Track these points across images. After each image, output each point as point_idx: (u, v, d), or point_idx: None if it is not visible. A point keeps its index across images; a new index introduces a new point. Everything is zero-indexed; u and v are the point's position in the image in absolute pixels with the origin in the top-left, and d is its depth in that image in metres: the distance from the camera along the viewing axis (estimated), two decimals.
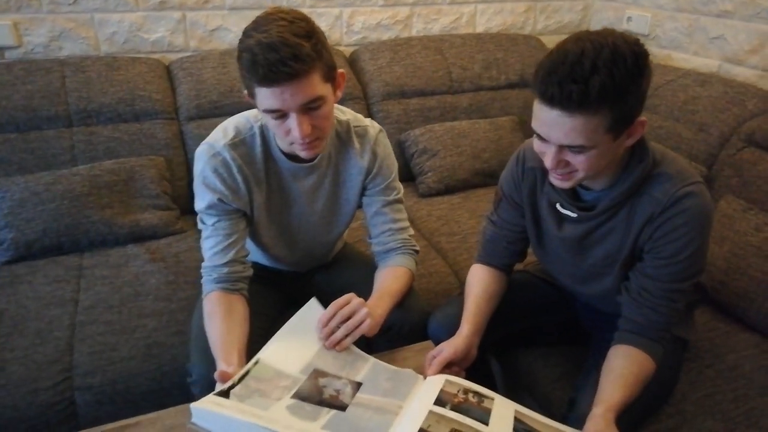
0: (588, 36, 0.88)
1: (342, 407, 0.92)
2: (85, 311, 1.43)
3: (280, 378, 0.96)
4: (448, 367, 1.08)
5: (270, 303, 1.38)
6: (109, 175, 1.74)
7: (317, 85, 1.01)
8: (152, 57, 2.07)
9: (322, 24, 2.28)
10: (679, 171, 1.02)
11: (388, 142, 1.31)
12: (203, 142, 1.19)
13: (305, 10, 2.19)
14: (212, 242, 1.18)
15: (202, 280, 1.19)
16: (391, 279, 1.25)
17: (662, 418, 1.15)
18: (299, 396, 0.92)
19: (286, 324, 1.07)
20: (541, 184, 1.16)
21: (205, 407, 0.83)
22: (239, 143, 1.17)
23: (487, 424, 0.91)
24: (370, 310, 1.10)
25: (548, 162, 0.97)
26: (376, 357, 1.14)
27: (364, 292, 1.37)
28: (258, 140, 1.18)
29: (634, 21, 2.43)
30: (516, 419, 0.96)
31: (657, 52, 2.34)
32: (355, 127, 1.25)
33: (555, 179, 1.02)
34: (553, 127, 0.92)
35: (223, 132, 1.18)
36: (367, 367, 1.05)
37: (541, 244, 1.23)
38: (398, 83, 2.19)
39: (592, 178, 1.03)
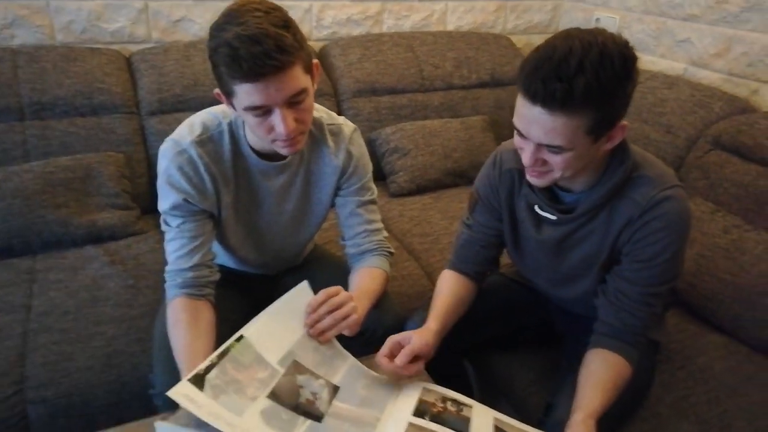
0: (578, 33, 0.86)
1: (318, 417, 0.88)
2: (38, 318, 1.34)
3: (258, 366, 0.92)
4: (413, 361, 1.02)
5: (237, 308, 1.32)
6: (64, 172, 1.65)
7: (301, 77, 0.97)
8: (112, 48, 1.97)
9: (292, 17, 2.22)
10: (659, 174, 1.02)
11: (363, 141, 1.28)
12: (167, 138, 1.12)
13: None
14: (177, 245, 1.12)
15: (166, 285, 1.13)
16: (367, 280, 1.21)
17: (637, 422, 1.15)
18: (275, 396, 0.88)
19: (273, 303, 1.03)
20: (519, 186, 1.14)
21: (174, 423, 0.78)
22: (206, 140, 1.12)
23: None
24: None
25: (526, 159, 0.96)
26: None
27: None
28: (226, 137, 1.13)
29: (602, 22, 2.44)
30: (496, 427, 0.93)
31: None
32: (328, 125, 1.21)
33: (531, 176, 1.01)
34: (533, 124, 0.90)
35: (189, 128, 1.12)
36: (345, 368, 1.01)
37: (518, 248, 1.21)
38: (369, 80, 2.14)
39: (570, 179, 1.01)
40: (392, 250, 1.31)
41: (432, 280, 1.63)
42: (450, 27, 2.51)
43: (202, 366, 0.86)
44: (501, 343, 1.37)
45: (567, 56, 0.83)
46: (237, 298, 1.33)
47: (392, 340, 1.04)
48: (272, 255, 1.33)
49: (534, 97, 0.86)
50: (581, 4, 2.56)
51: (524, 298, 1.35)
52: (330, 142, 1.21)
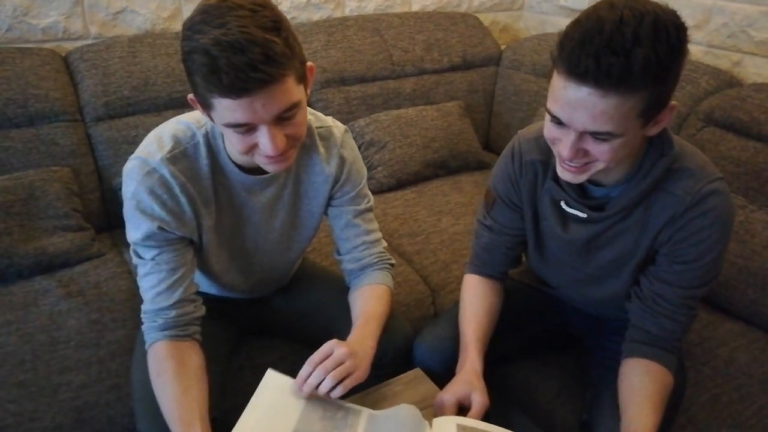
0: (624, 2, 0.75)
1: None
2: None
3: None
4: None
5: (222, 341, 1.17)
6: (2, 194, 1.43)
7: (292, 90, 0.81)
8: (44, 47, 1.73)
9: None
10: (701, 165, 0.92)
11: (354, 143, 1.14)
12: (132, 156, 0.95)
13: None
14: (154, 280, 0.95)
15: (144, 327, 0.97)
16: (373, 301, 1.08)
17: (676, 429, 1.07)
18: None
19: (249, 403, 0.88)
20: (542, 179, 1.03)
21: None
22: (179, 156, 0.95)
23: None
24: (357, 347, 0.93)
25: (564, 151, 0.84)
26: (361, 395, 0.98)
27: (331, 312, 1.21)
28: (203, 150, 0.96)
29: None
30: None
31: None
32: (318, 128, 1.06)
33: (566, 172, 0.89)
34: (578, 109, 0.78)
35: (157, 143, 0.95)
36: (363, 423, 0.88)
37: (540, 247, 1.11)
38: (337, 69, 1.98)
39: (606, 170, 0.90)
40: (393, 262, 1.19)
41: (429, 284, 1.51)
42: (415, 7, 2.36)
43: None
44: (515, 353, 1.27)
45: (620, 26, 0.72)
46: (221, 330, 1.18)
47: (456, 400, 0.94)
48: (260, 277, 1.18)
49: (584, 76, 0.74)
50: None
51: (538, 302, 1.25)
52: (320, 147, 1.07)
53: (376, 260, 1.14)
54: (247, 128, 0.82)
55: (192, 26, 0.77)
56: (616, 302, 1.07)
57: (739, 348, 1.27)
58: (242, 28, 0.74)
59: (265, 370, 1.22)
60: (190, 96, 0.87)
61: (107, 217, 1.69)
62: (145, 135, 1.69)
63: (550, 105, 0.82)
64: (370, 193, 1.16)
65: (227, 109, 0.79)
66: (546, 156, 1.02)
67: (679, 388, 1.09)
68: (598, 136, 0.80)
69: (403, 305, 1.42)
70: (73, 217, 1.52)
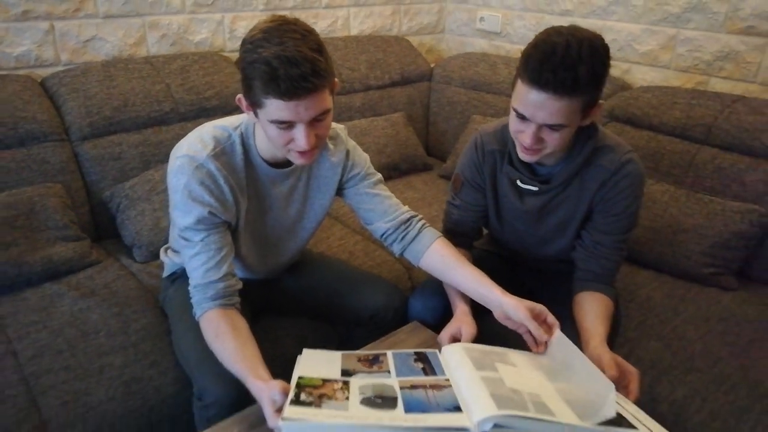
0: (565, 30, 1.04)
1: (394, 399, 0.94)
2: (32, 362, 1.25)
3: (330, 384, 0.97)
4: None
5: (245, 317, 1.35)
6: (5, 209, 1.52)
7: (327, 99, 1.05)
8: (18, 74, 1.83)
9: (204, 31, 2.20)
10: (617, 143, 1.24)
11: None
12: (179, 155, 1.13)
13: (185, 17, 2.11)
14: (203, 258, 1.13)
15: (193, 300, 1.14)
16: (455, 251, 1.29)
17: (617, 347, 1.38)
18: (361, 391, 0.95)
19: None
20: (500, 164, 1.31)
21: (299, 419, 0.84)
22: (220, 153, 1.15)
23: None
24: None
25: (527, 140, 1.12)
26: (375, 344, 1.21)
27: (332, 286, 1.43)
28: (239, 148, 1.17)
29: (486, 21, 2.73)
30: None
31: (510, 48, 2.67)
32: None
33: (526, 155, 1.17)
34: (540, 108, 1.06)
35: (200, 143, 1.14)
36: (390, 359, 1.10)
37: (500, 218, 1.39)
38: None
39: (551, 154, 1.19)
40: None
41: (403, 264, 1.76)
42: (354, 32, 2.64)
43: (291, 397, 0.90)
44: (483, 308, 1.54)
45: (567, 49, 1.01)
46: (244, 309, 1.35)
47: (450, 336, 1.19)
48: (274, 259, 1.37)
49: (545, 85, 1.02)
50: (465, 5, 2.83)
51: (496, 265, 1.53)
52: (330, 145, 1.29)
53: (411, 215, 1.33)
54: (288, 125, 1.04)
55: (254, 42, 0.99)
56: (562, 256, 1.37)
57: (654, 289, 1.62)
58: (297, 48, 0.97)
59: (282, 343, 1.43)
60: (239, 96, 1.08)
61: (96, 229, 1.80)
62: (129, 151, 1.86)
63: (516, 105, 1.10)
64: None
65: (277, 108, 1.01)
66: (503, 146, 1.31)
67: (616, 319, 1.41)
68: (553, 127, 1.09)
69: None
70: (71, 228, 1.63)
